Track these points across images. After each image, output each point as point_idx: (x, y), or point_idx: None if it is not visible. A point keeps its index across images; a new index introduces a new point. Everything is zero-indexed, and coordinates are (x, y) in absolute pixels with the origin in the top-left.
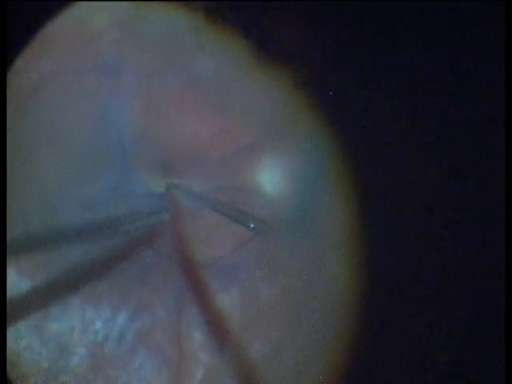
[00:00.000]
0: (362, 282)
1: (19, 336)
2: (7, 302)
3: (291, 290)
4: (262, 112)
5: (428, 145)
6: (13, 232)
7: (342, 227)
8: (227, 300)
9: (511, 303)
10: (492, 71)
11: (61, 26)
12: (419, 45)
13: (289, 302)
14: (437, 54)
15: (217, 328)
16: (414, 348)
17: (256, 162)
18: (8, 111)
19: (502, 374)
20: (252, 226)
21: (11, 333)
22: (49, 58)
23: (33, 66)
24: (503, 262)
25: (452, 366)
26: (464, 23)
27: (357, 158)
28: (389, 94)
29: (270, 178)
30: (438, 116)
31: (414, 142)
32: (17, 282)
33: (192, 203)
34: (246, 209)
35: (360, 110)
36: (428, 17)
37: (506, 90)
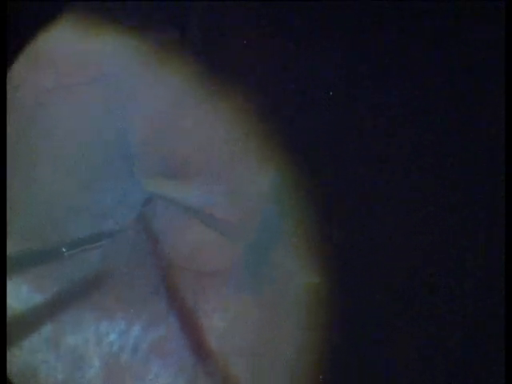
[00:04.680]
0: (344, 290)
1: (35, 350)
2: (20, 317)
3: (291, 302)
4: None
5: (411, 161)
6: (17, 244)
7: (324, 234)
8: (238, 307)
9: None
10: (491, 75)
11: (59, 41)
12: (418, 49)
13: (289, 314)
14: (429, 65)
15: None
16: (406, 358)
17: (257, 168)
18: (12, 125)
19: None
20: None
21: (26, 347)
22: (51, 73)
23: (35, 82)
24: (502, 266)
25: (450, 375)
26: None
27: (335, 161)
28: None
29: (269, 183)
30: (438, 124)
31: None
32: (28, 297)
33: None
34: (242, 214)
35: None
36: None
37: (506, 94)
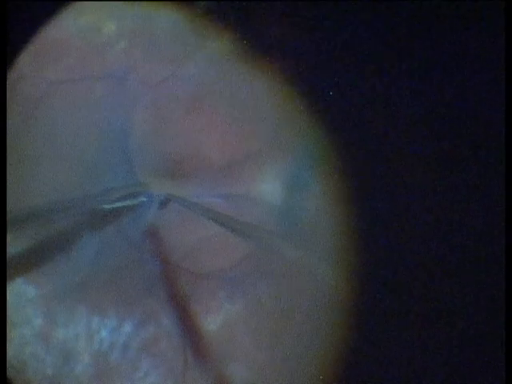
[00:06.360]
0: (357, 290)
1: (24, 343)
2: (13, 310)
3: (293, 300)
4: (264, 119)
5: (428, 150)
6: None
7: (336, 234)
8: (231, 310)
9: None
10: (492, 75)
11: (69, 35)
12: (420, 44)
13: (290, 311)
14: (438, 56)
15: (215, 341)
16: (409, 359)
17: (259, 171)
18: (15, 118)
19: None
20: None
21: (16, 340)
22: (57, 66)
23: (41, 73)
24: (503, 267)
25: (450, 375)
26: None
27: (352, 160)
28: (384, 93)
29: (272, 186)
30: (441, 115)
31: (412, 146)
32: (23, 290)
33: (193, 213)
34: (247, 217)
35: (356, 110)
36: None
37: (506, 93)
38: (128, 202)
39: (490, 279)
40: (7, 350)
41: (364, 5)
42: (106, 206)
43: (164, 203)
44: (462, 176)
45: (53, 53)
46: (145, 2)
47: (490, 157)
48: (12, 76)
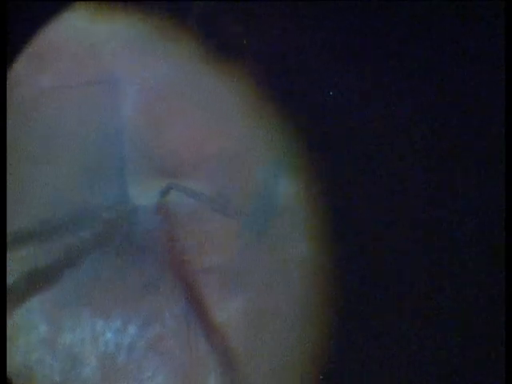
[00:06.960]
0: (356, 290)
1: (31, 350)
2: (18, 316)
3: (292, 299)
4: (256, 117)
5: (427, 150)
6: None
7: (334, 233)
8: (232, 307)
9: (510, 316)
10: (491, 76)
11: (61, 40)
12: (420, 44)
13: (289, 308)
14: (438, 56)
15: (220, 335)
16: (409, 359)
17: (251, 167)
18: (10, 122)
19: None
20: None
21: (22, 347)
22: (50, 71)
23: (35, 78)
24: (503, 267)
25: (450, 375)
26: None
27: (352, 160)
28: (384, 93)
29: (264, 181)
30: (441, 115)
31: (412, 146)
32: None
33: (191, 202)
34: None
35: (356, 110)
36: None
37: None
38: (126, 207)
39: (490, 279)
40: (14, 357)
41: (364, 5)
42: (106, 215)
43: (166, 191)
44: (462, 176)
45: (47, 58)
46: (136, 3)
47: (489, 156)
48: (9, 78)
